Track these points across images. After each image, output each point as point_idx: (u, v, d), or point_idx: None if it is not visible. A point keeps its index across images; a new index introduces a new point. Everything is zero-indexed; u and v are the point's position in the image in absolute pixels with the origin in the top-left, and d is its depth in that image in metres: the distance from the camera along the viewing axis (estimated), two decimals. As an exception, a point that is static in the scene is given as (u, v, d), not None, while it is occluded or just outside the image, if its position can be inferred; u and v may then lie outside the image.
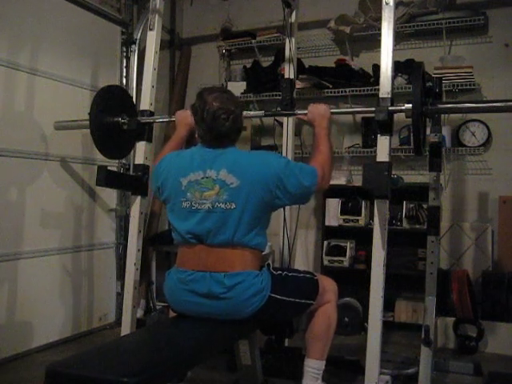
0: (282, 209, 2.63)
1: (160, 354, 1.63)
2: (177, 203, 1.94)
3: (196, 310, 1.91)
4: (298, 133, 3.20)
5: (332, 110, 2.19)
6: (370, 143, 3.75)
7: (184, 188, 1.92)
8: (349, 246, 3.73)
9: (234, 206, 1.85)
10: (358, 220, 3.72)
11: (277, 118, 3.62)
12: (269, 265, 1.99)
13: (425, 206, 3.33)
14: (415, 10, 3.63)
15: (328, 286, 2.09)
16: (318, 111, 2.14)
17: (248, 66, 4.22)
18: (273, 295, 1.89)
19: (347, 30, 3.78)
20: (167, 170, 2.02)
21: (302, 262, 3.95)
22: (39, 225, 3.22)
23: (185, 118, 2.32)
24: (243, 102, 2.13)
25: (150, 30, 2.58)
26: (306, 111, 2.21)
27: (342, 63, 3.83)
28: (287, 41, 2.79)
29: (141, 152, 2.53)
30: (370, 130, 3.76)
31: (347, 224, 3.75)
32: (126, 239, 3.45)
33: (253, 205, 1.86)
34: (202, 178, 1.90)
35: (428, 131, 2.69)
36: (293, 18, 2.78)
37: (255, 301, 1.86)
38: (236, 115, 1.94)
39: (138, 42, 3.75)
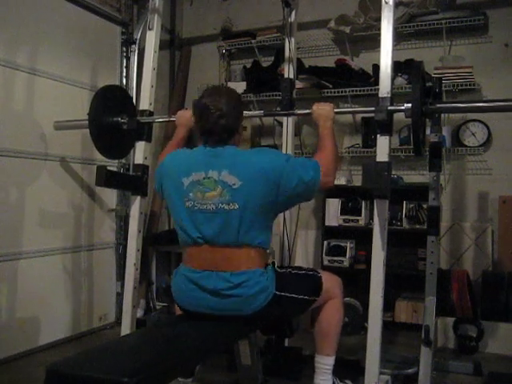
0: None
1: (160, 354, 1.62)
2: (180, 203, 1.95)
3: (202, 305, 1.92)
4: (297, 133, 3.19)
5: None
6: (369, 143, 3.75)
7: (186, 188, 1.93)
8: (349, 246, 3.73)
9: (236, 206, 1.86)
10: (357, 220, 3.72)
11: (276, 118, 3.62)
12: (273, 263, 2.01)
13: (425, 206, 3.33)
14: (415, 10, 3.63)
15: (332, 282, 2.10)
16: (322, 112, 2.15)
17: (248, 66, 4.22)
18: (277, 293, 1.91)
19: (347, 30, 3.78)
20: (169, 168, 2.04)
21: (302, 262, 3.95)
22: (39, 225, 3.21)
23: (185, 118, 2.36)
24: (244, 104, 2.09)
25: (150, 29, 2.59)
26: (308, 111, 2.21)
27: (342, 63, 3.83)
28: (287, 41, 2.79)
29: (140, 152, 2.54)
30: (370, 129, 3.76)
31: (347, 224, 3.75)
32: (125, 239, 3.44)
33: (255, 203, 1.87)
34: (204, 179, 1.90)
35: (428, 131, 2.69)
36: (292, 18, 2.77)
37: (260, 298, 1.88)
38: (223, 113, 1.90)
39: (138, 41, 3.74)
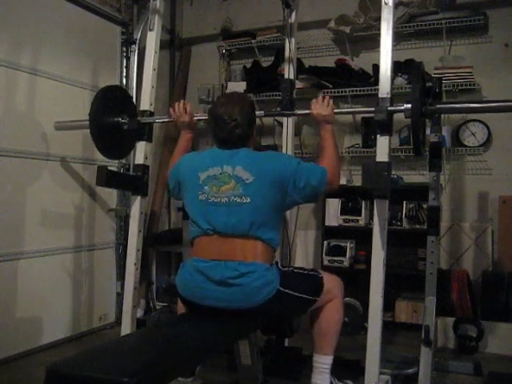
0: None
1: (160, 354, 1.63)
2: (194, 196, 2.02)
3: (208, 296, 1.95)
4: (297, 133, 3.19)
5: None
6: (369, 143, 3.75)
7: (201, 182, 2.01)
8: (349, 246, 3.73)
9: (248, 199, 1.94)
10: (357, 220, 3.72)
11: (276, 118, 3.62)
12: (277, 262, 2.06)
13: (425, 206, 3.33)
14: (415, 10, 3.63)
15: (333, 283, 2.13)
16: (321, 112, 2.18)
17: (248, 66, 4.22)
18: (281, 289, 1.94)
19: (347, 30, 3.78)
20: (186, 165, 2.13)
21: (302, 262, 3.95)
22: (39, 225, 3.22)
23: (186, 124, 2.41)
24: (253, 109, 2.15)
25: (150, 30, 2.60)
26: (308, 111, 2.24)
27: (342, 63, 3.83)
28: (287, 41, 2.79)
29: (141, 152, 2.54)
30: (370, 130, 3.76)
31: (347, 224, 3.75)
32: (126, 239, 3.44)
33: (266, 199, 1.95)
34: (220, 174, 1.98)
35: (428, 131, 2.69)
36: (292, 18, 2.77)
37: (264, 291, 1.91)
38: (238, 123, 2.03)
39: (138, 41, 3.75)
